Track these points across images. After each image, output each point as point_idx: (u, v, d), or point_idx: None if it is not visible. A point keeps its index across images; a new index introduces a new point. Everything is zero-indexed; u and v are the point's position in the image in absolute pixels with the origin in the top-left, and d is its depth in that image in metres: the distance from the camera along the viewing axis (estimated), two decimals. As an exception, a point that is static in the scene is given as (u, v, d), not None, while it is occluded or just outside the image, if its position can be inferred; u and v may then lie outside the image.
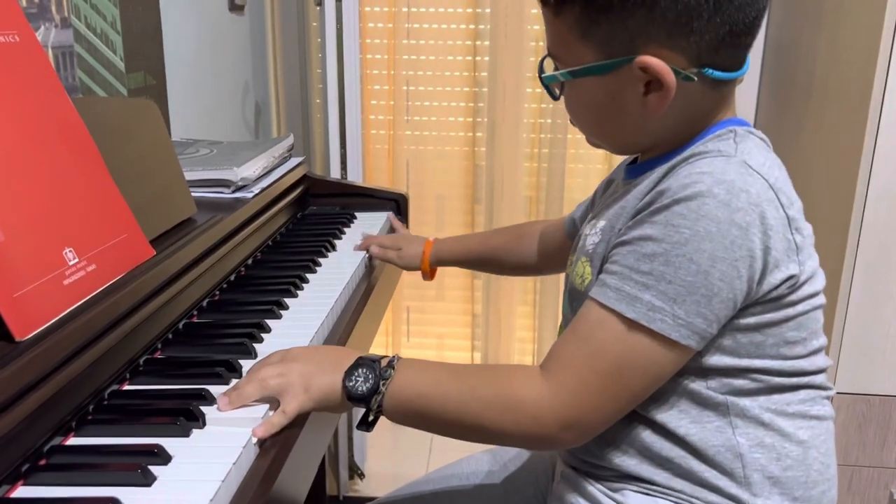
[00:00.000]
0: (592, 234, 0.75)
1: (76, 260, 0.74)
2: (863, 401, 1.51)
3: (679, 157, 0.69)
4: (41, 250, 0.71)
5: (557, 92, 0.75)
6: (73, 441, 0.65)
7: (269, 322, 0.89)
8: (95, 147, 0.84)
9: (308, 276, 1.06)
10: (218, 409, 0.69)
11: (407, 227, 1.43)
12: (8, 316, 0.63)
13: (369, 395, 0.69)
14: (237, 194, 1.15)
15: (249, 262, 1.11)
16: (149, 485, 0.58)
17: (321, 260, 1.13)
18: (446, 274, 2.13)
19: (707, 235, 0.62)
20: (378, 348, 2.06)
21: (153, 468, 0.60)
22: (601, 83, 0.69)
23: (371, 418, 0.71)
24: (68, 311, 0.70)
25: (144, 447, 0.62)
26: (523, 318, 2.10)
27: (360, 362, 0.70)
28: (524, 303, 2.10)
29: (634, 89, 0.67)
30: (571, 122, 0.77)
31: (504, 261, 1.14)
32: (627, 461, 0.72)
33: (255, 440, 0.65)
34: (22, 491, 0.59)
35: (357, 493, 1.89)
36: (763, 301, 0.65)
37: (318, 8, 1.56)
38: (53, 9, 1.06)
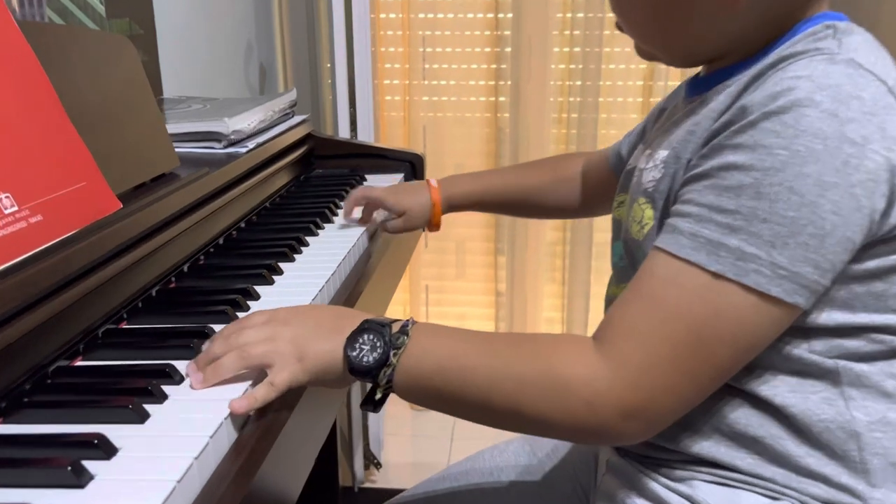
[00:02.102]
0: (651, 168, 0.60)
1: (14, 208, 0.61)
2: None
3: (762, 64, 0.54)
4: (-34, 193, 0.57)
5: None
6: (1, 429, 0.52)
7: (259, 288, 0.75)
8: (46, 79, 0.70)
9: (308, 238, 0.92)
10: (190, 387, 0.56)
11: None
12: (-88, 270, 0.50)
13: (377, 367, 0.55)
14: (229, 150, 1.01)
15: (242, 224, 0.97)
16: (81, 486, 0.45)
17: (325, 224, 0.98)
18: (468, 250, 1.98)
19: (811, 156, 0.47)
20: (395, 330, 1.92)
21: (90, 464, 0.46)
22: None
23: (379, 396, 0.57)
24: (2, 267, 0.57)
25: (83, 437, 0.49)
26: (551, 297, 1.96)
27: (366, 326, 0.56)
28: (552, 280, 1.95)
29: None
30: (618, 27, 0.62)
31: (537, 202, 0.97)
32: (699, 442, 0.57)
33: (228, 421, 0.52)
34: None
35: (374, 485, 1.76)
36: (888, 238, 0.51)
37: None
38: (14, -65, 0.93)
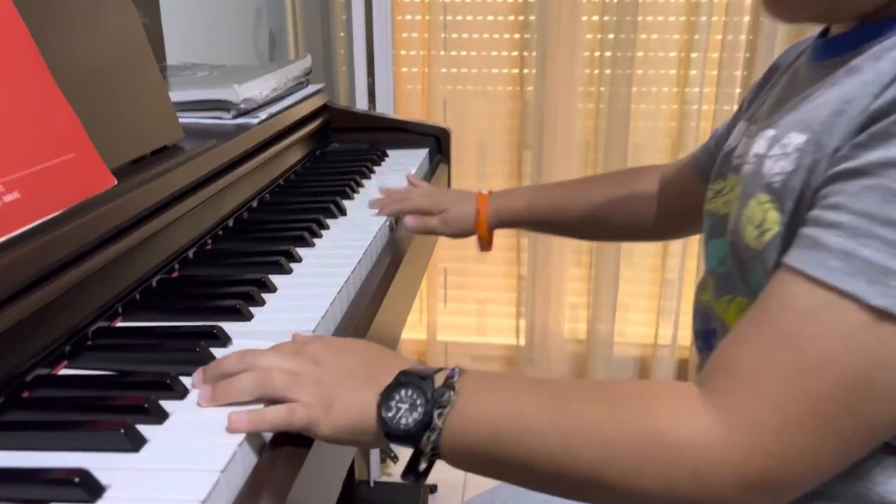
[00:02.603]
0: (779, 157, 0.48)
1: (-15, 183, 0.51)
2: None
3: None
4: (-77, 166, 0.47)
5: None
6: (-41, 457, 0.42)
7: (275, 278, 0.65)
8: (27, 33, 0.60)
9: (328, 220, 0.82)
10: (197, 403, 0.46)
11: (449, 169, 1.18)
12: None
13: (418, 431, 0.44)
14: (239, 120, 0.91)
15: (253, 204, 0.87)
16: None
17: (345, 203, 0.88)
18: None
19: None
20: (411, 314, 1.82)
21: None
22: None
23: (423, 466, 0.46)
24: (-31, 257, 0.47)
25: (62, 475, 0.39)
26: (576, 281, 1.85)
27: (404, 380, 0.46)
28: (577, 264, 1.85)
29: None
30: None
31: (605, 220, 0.83)
32: None
33: (245, 448, 0.42)
34: None
35: (390, 478, 1.68)
36: None
37: None
38: None
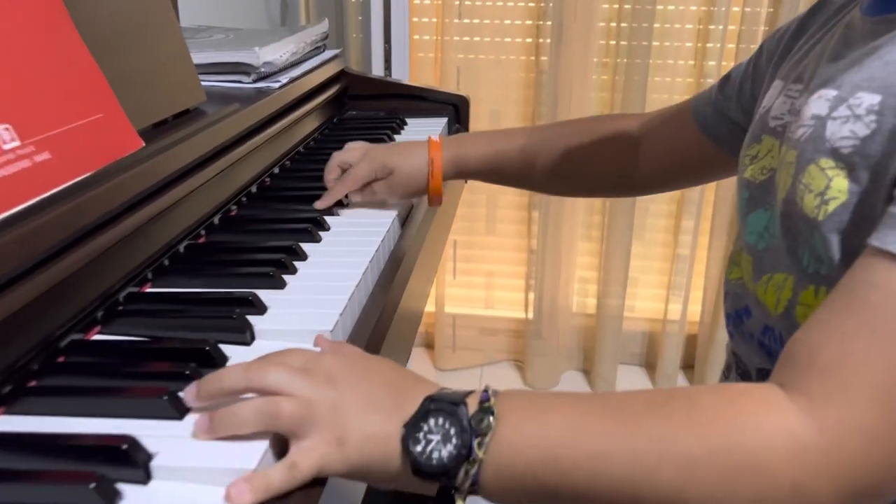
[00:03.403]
0: (849, 119, 0.44)
1: (15, 143, 0.49)
2: None
3: None
4: (-45, 123, 0.46)
5: None
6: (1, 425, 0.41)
7: (305, 246, 0.64)
8: (55, -11, 0.58)
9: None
10: (192, 434, 0.40)
11: (468, 137, 1.16)
12: None
13: (455, 464, 0.39)
14: (260, 84, 0.89)
15: (275, 170, 0.85)
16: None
17: (368, 171, 0.86)
18: (498, 204, 1.86)
19: None
20: (420, 287, 1.81)
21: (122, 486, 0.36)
22: None
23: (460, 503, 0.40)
24: (3, 216, 0.45)
25: (110, 441, 0.38)
26: (586, 255, 1.84)
27: (434, 406, 0.40)
28: (588, 238, 1.83)
29: None
30: None
31: (582, 169, 0.76)
32: None
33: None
34: None
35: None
36: None
37: None
38: None
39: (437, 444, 0.39)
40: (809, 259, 0.46)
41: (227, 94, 0.85)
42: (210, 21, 1.29)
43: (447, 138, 0.80)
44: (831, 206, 0.44)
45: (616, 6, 1.66)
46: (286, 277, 0.58)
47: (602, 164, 0.77)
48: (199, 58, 0.89)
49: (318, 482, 0.39)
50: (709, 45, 1.62)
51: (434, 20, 1.73)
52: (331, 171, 0.77)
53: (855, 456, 0.36)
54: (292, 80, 0.91)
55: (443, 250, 1.01)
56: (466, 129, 1.15)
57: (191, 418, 0.41)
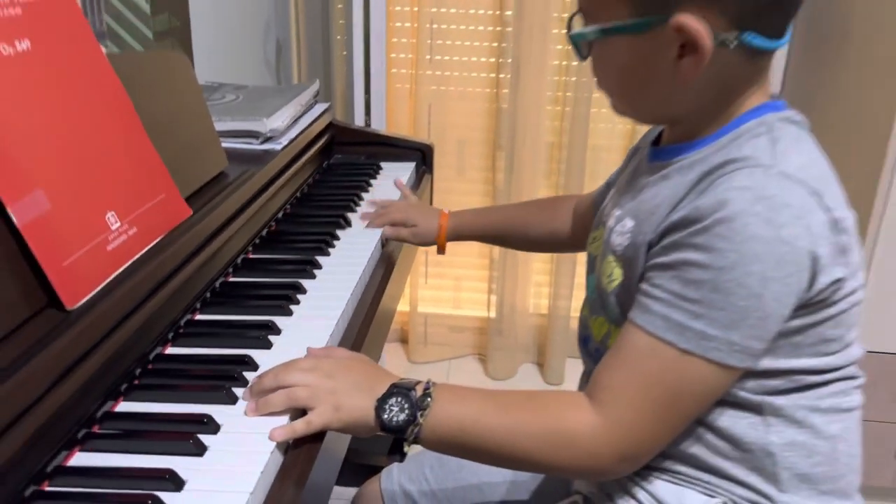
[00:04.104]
0: (620, 234, 0.71)
1: (118, 224, 0.75)
2: (876, 359, 1.53)
3: (713, 159, 0.64)
4: (85, 216, 0.71)
5: (585, 51, 0.69)
6: (123, 407, 0.67)
7: (304, 282, 0.90)
8: (132, 105, 0.83)
9: (339, 232, 1.06)
10: (245, 413, 0.67)
11: (432, 178, 1.42)
12: (58, 285, 0.64)
13: (405, 425, 0.66)
14: (265, 146, 1.14)
15: (280, 215, 1.11)
16: (201, 455, 0.61)
17: (350, 216, 1.13)
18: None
19: (755, 257, 0.59)
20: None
21: (203, 437, 0.62)
22: (633, 44, 0.64)
23: (406, 449, 0.69)
24: (113, 276, 0.71)
25: (193, 417, 0.64)
26: (540, 262, 2.11)
27: (395, 391, 0.67)
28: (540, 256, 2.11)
29: (667, 52, 0.63)
30: (598, 87, 0.72)
31: (531, 234, 1.10)
32: (657, 458, 0.71)
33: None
34: (79, 457, 0.61)
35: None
36: (807, 305, 0.63)
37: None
38: (80, -48, 1.03)
39: (397, 413, 0.66)
40: (610, 312, 0.73)
41: (240, 155, 1.10)
42: (222, 68, 1.54)
43: (454, 212, 1.14)
44: (613, 284, 0.72)
45: (566, 48, 1.91)
46: (292, 307, 0.84)
47: (547, 237, 1.10)
48: (218, 125, 1.14)
49: (318, 438, 0.66)
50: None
51: (410, 56, 1.99)
52: (372, 206, 1.15)
53: (622, 436, 0.64)
54: (292, 141, 1.17)
55: (411, 264, 1.26)
56: (431, 170, 1.41)
57: (241, 403, 0.67)
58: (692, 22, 0.60)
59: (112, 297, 0.67)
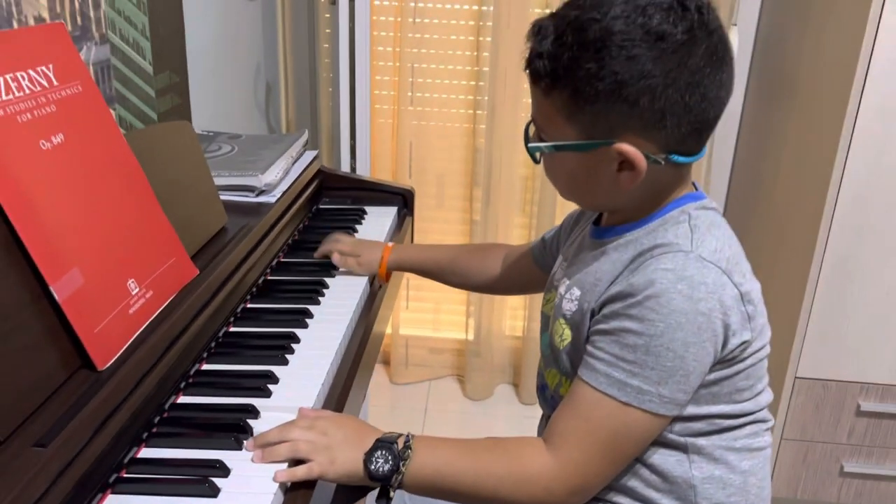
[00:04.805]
0: (569, 301, 0.84)
1: (138, 289, 0.86)
2: (821, 385, 1.67)
3: (644, 242, 0.78)
4: (111, 286, 0.82)
5: (538, 158, 0.82)
6: (145, 453, 0.78)
7: (298, 332, 1.01)
8: (146, 179, 0.94)
9: (327, 280, 1.17)
10: (252, 460, 0.77)
11: (412, 221, 1.54)
12: (92, 350, 0.75)
13: (390, 474, 0.77)
14: (261, 198, 1.25)
15: (273, 264, 1.22)
16: (215, 496, 0.72)
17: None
18: (447, 183, 2.19)
19: (678, 326, 0.72)
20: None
21: (216, 480, 0.73)
22: (580, 158, 0.78)
23: (392, 495, 0.78)
24: (134, 336, 0.82)
25: (207, 462, 0.76)
26: (520, 228, 2.19)
27: (379, 445, 0.78)
28: (522, 213, 2.18)
29: (609, 167, 0.77)
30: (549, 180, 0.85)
31: (463, 274, 1.21)
32: (602, 491, 0.82)
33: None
34: (111, 500, 0.72)
35: None
36: (721, 361, 0.77)
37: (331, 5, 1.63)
38: (94, 28, 1.14)
39: (382, 464, 0.77)
40: (562, 366, 0.86)
41: (237, 207, 1.21)
42: (216, 116, 1.64)
43: (396, 246, 1.24)
44: (564, 344, 0.84)
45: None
46: (287, 356, 0.95)
47: (478, 279, 1.22)
48: (216, 180, 1.25)
49: (310, 485, 0.77)
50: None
51: (392, 93, 2.10)
52: (324, 244, 1.25)
53: (572, 473, 0.77)
54: (284, 193, 1.28)
55: (397, 293, 1.38)
56: (412, 213, 1.53)
57: (245, 450, 0.78)
58: (630, 149, 0.75)
59: (136, 356, 0.79)
